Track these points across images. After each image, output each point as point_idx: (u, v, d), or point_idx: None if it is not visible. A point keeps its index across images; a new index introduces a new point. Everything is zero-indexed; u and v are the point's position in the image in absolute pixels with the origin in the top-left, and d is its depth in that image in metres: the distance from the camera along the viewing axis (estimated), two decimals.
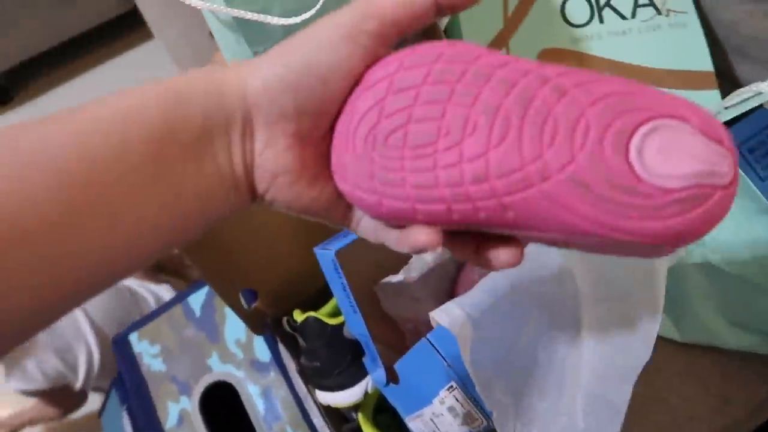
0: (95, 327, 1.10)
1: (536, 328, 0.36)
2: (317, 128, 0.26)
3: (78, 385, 1.14)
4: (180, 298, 0.76)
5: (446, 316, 0.38)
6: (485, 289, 0.41)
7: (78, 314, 1.10)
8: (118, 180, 0.23)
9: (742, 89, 0.48)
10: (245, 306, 0.58)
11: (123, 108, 0.24)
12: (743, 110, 0.42)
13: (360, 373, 0.56)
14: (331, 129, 0.26)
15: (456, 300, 0.41)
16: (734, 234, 0.39)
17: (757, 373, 0.50)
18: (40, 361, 1.08)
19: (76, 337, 1.09)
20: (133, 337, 0.76)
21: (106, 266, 0.23)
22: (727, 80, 0.64)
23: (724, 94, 0.61)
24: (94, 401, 1.22)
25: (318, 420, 0.64)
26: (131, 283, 1.19)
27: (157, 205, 0.24)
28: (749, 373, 0.50)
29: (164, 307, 0.76)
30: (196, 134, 0.24)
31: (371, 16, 0.24)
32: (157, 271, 1.38)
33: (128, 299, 1.15)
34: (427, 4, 0.25)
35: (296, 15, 0.48)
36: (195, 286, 0.77)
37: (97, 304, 1.11)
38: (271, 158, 0.25)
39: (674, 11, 0.62)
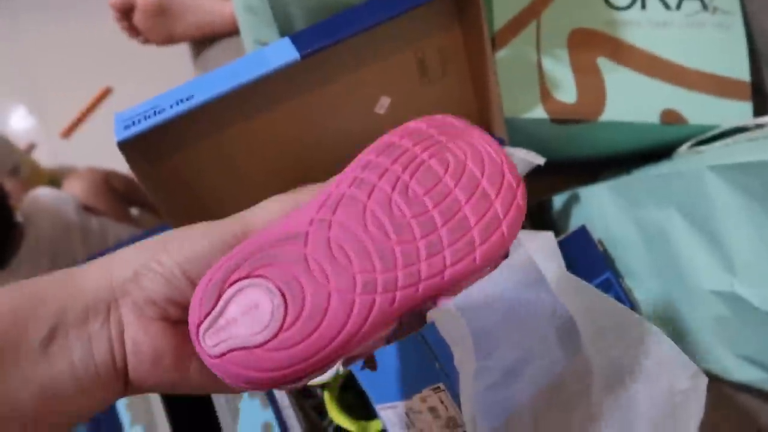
0: None
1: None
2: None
3: None
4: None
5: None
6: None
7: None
8: None
9: None
10: None
11: None
12: None
13: None
14: None
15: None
16: None
17: (750, 406, 0.47)
18: None
19: None
20: None
21: None
22: (757, 93, 0.61)
23: (755, 107, 0.57)
24: None
25: (278, 391, 0.59)
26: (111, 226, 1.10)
27: None
28: (742, 405, 0.48)
29: None
30: (47, 333, 0.25)
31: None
32: (126, 203, 1.29)
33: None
34: None
35: None
36: (161, 228, 0.70)
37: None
38: (145, 341, 0.26)
39: (721, 10, 0.58)
